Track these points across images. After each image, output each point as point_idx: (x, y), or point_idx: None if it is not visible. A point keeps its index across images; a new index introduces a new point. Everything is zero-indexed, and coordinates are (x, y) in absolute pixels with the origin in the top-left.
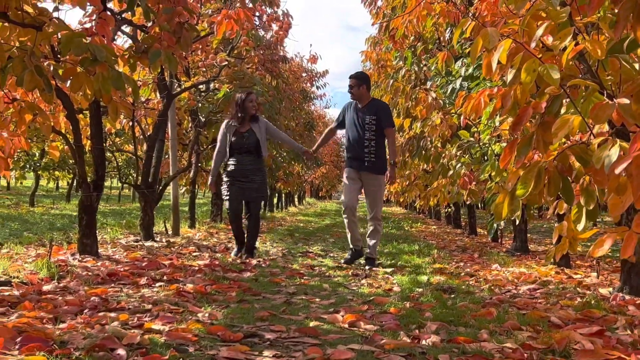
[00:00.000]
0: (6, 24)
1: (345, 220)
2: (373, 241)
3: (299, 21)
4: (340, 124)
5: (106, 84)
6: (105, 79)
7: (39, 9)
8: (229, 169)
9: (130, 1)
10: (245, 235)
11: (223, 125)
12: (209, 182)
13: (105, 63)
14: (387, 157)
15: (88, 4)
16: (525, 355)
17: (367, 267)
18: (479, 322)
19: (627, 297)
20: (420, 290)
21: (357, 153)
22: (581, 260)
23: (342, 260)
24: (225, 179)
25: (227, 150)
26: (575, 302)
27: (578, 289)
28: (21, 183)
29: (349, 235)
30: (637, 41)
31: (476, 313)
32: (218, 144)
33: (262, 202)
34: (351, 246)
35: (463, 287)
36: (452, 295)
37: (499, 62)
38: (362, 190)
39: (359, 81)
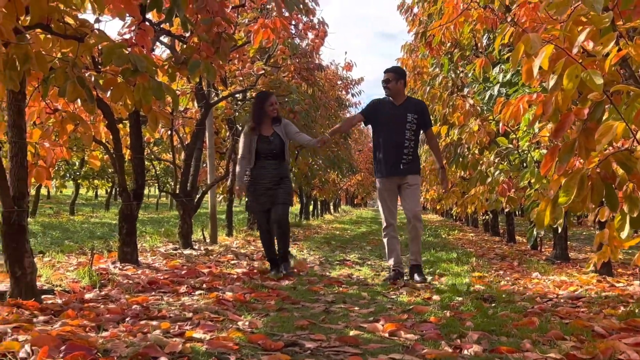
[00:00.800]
0: (49, 36)
1: (386, 240)
2: (416, 246)
3: (334, 29)
4: (369, 120)
5: (147, 94)
6: (145, 89)
7: (80, 20)
8: (253, 176)
9: (168, 12)
10: (276, 245)
11: (246, 129)
12: (236, 188)
13: (146, 73)
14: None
15: (127, 15)
16: None
17: (418, 279)
18: (521, 331)
19: None
20: (460, 299)
21: (394, 156)
22: (623, 268)
23: (384, 278)
24: (250, 186)
25: (252, 156)
26: (618, 311)
27: (621, 297)
28: (61, 192)
29: (391, 257)
30: None
31: (518, 322)
32: (241, 150)
33: (288, 210)
34: (392, 268)
35: (504, 295)
36: (493, 304)
37: (540, 68)
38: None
39: (397, 75)
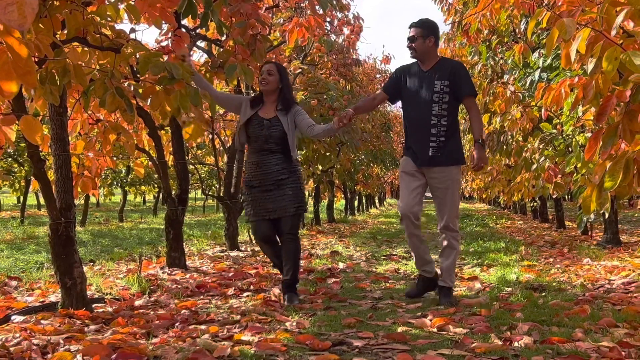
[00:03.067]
0: (86, 48)
1: (407, 238)
2: (447, 262)
3: (374, 22)
4: (393, 94)
5: (184, 101)
6: (183, 96)
7: (116, 31)
8: (247, 175)
9: (203, 18)
10: (283, 267)
11: (246, 102)
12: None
13: (183, 80)
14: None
15: (163, 22)
16: (623, 353)
17: (442, 303)
18: (572, 320)
19: None
20: (510, 289)
21: (420, 136)
22: None
23: (405, 292)
24: (246, 189)
25: (243, 140)
26: None
27: None
28: (110, 199)
29: (414, 257)
30: None
31: (569, 311)
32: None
33: (301, 219)
34: (418, 271)
35: (554, 284)
36: (543, 294)
37: (578, 52)
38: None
39: (426, 31)
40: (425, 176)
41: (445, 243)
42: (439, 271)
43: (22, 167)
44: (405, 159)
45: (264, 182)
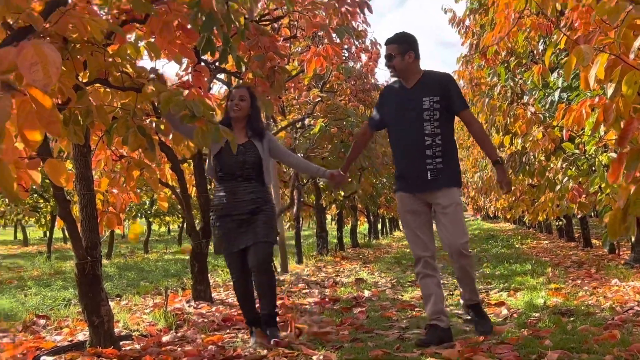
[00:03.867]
0: (108, 89)
1: (420, 280)
2: (467, 281)
3: None
4: (378, 123)
5: (205, 138)
6: (204, 133)
7: (137, 69)
8: (216, 202)
9: (222, 54)
10: (259, 301)
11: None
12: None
13: (204, 117)
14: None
15: (183, 58)
16: None
17: (480, 331)
18: (602, 347)
19: None
20: (537, 314)
21: (414, 163)
22: None
23: (416, 341)
24: (212, 218)
25: (215, 168)
26: None
27: None
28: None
29: (427, 304)
30: None
31: (598, 337)
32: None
33: (272, 249)
34: (430, 320)
35: (582, 308)
36: (571, 318)
37: (596, 77)
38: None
39: (402, 46)
40: (428, 203)
41: (460, 273)
42: (461, 301)
43: (47, 203)
44: (401, 196)
45: (236, 212)
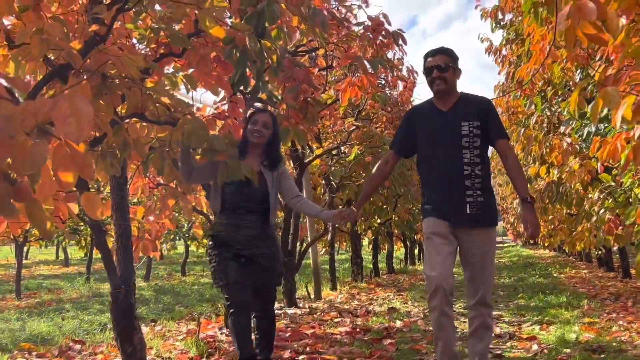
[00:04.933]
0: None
1: (434, 316)
2: (481, 345)
3: None
4: (407, 148)
5: (230, 174)
6: (228, 168)
7: (175, 101)
8: (215, 232)
9: (254, 89)
10: (255, 345)
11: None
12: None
13: (225, 153)
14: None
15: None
16: None
17: None
18: None
19: None
20: (568, 350)
21: (451, 191)
22: None
23: None
24: (212, 250)
25: (219, 201)
26: None
27: None
28: (172, 252)
29: (439, 347)
30: None
31: None
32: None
33: (276, 294)
34: None
35: (614, 344)
36: (602, 355)
37: (624, 119)
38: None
39: (454, 60)
40: (458, 240)
41: (478, 322)
42: None
43: (87, 226)
44: (433, 220)
45: (238, 245)
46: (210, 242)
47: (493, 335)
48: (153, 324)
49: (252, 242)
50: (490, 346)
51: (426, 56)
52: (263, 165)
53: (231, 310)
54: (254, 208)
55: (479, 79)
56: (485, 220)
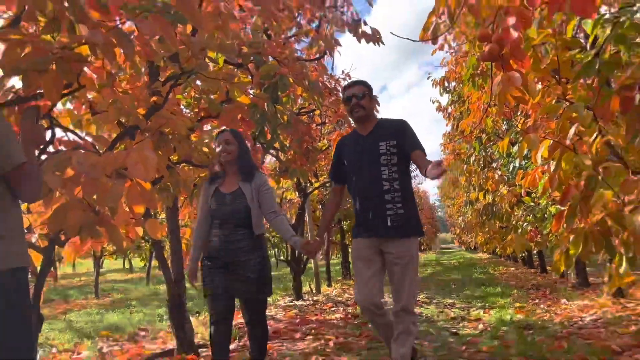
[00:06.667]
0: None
1: (373, 324)
2: (403, 349)
3: (401, 116)
4: (340, 175)
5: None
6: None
7: (211, 151)
8: (209, 246)
9: (270, 141)
10: (249, 348)
11: (205, 185)
12: (187, 270)
13: None
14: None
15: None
16: None
17: None
18: (553, 354)
19: None
20: (505, 328)
21: (374, 207)
22: (634, 289)
23: None
24: (205, 262)
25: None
26: (630, 329)
27: (632, 317)
28: None
29: (388, 342)
30: None
31: (551, 346)
32: (199, 213)
33: (266, 304)
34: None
35: (539, 322)
36: (531, 331)
37: (542, 158)
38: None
39: (367, 88)
40: (383, 253)
41: (401, 328)
42: None
43: (147, 243)
44: (357, 242)
45: (227, 258)
46: (204, 259)
47: (415, 340)
48: (197, 314)
49: (241, 254)
50: (447, 326)
51: (345, 88)
52: (241, 181)
53: (211, 320)
54: (240, 223)
55: (432, 129)
56: (405, 230)
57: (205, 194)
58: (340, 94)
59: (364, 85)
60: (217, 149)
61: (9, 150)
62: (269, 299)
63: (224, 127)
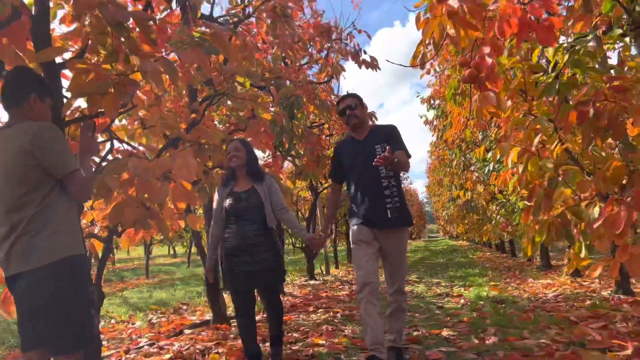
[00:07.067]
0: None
1: (362, 306)
2: (397, 324)
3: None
4: (340, 174)
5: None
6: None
7: None
8: (225, 244)
9: (288, 150)
10: (267, 322)
11: (219, 189)
12: (206, 269)
13: None
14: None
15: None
16: (554, 347)
17: None
18: (522, 324)
19: (622, 297)
20: (482, 302)
21: (375, 202)
22: (589, 270)
23: None
24: (224, 259)
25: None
26: (586, 304)
27: (587, 293)
28: None
29: (367, 332)
30: (597, 145)
31: (520, 317)
32: (214, 215)
33: (282, 284)
34: (370, 350)
35: (510, 298)
36: (504, 305)
37: (512, 162)
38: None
39: (359, 99)
40: (380, 242)
41: (395, 306)
42: (388, 336)
43: (188, 233)
44: (359, 227)
45: (244, 252)
46: (223, 253)
47: (407, 315)
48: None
49: (255, 249)
50: (434, 301)
51: (338, 102)
52: (255, 181)
53: (237, 314)
54: (254, 218)
55: (420, 139)
56: (403, 221)
57: (220, 195)
58: None
59: (354, 97)
60: (228, 157)
61: (64, 160)
62: (287, 278)
63: (235, 137)
